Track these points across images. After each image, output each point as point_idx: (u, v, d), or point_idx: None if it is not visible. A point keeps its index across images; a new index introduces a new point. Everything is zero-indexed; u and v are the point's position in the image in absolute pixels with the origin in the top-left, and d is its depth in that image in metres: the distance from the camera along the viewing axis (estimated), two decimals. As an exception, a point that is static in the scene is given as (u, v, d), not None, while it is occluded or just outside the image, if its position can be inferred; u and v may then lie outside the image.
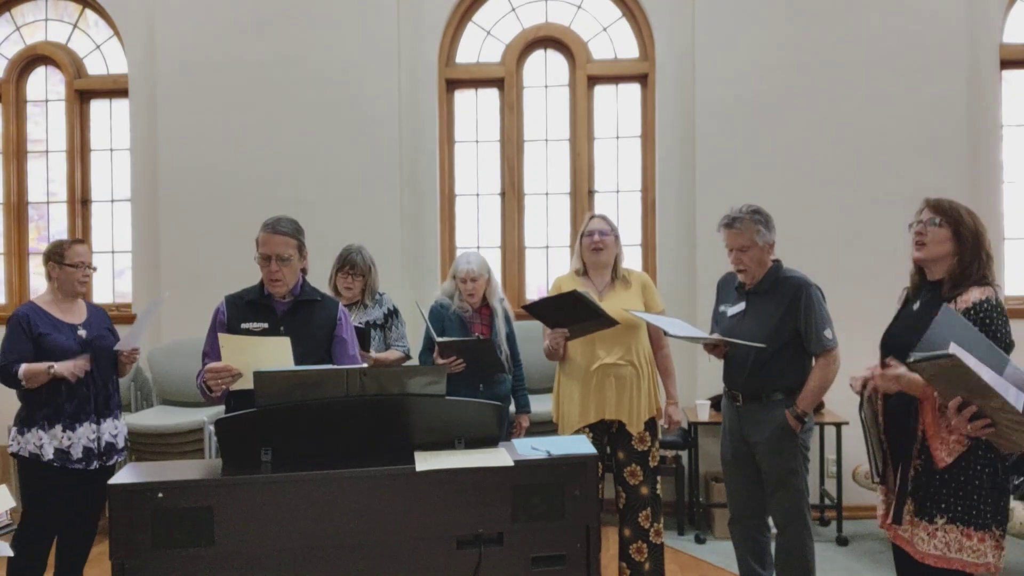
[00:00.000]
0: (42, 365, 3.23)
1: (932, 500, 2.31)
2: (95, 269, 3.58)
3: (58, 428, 3.30)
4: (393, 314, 3.98)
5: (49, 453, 3.29)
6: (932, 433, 2.30)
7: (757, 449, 3.17)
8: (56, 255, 3.41)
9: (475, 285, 3.70)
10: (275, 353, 2.59)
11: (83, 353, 3.34)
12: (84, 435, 3.35)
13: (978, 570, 2.27)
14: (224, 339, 2.66)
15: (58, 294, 3.43)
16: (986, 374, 1.87)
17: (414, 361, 4.03)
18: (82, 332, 3.40)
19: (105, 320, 3.56)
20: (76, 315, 3.45)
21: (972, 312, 2.29)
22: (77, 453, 3.34)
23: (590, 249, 3.40)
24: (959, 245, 2.38)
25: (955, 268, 2.38)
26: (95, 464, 3.39)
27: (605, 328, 3.23)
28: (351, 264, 3.88)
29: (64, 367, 3.26)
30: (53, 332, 3.32)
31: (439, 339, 3.54)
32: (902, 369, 2.24)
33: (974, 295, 2.32)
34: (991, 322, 2.28)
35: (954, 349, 1.87)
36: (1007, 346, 2.28)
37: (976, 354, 1.88)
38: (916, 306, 2.48)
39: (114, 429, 3.49)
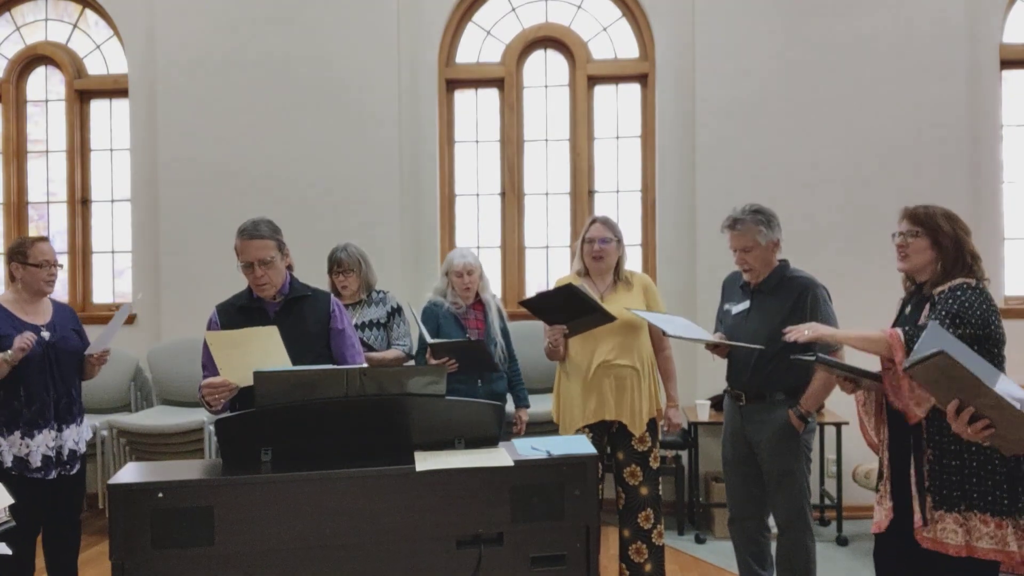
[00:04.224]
0: None
1: (956, 489, 2.30)
2: (61, 267, 3.44)
3: (16, 435, 3.17)
4: (396, 312, 4.00)
5: (8, 460, 3.16)
6: (903, 393, 2.34)
7: (759, 449, 3.17)
8: (19, 254, 3.29)
9: (471, 279, 3.75)
10: (265, 344, 2.56)
11: (44, 355, 3.22)
12: (43, 443, 3.21)
13: (1001, 559, 2.25)
14: (210, 337, 2.62)
15: (23, 294, 3.31)
16: (978, 371, 1.87)
17: (412, 361, 4.03)
18: (45, 334, 3.27)
19: (71, 321, 3.43)
20: (40, 316, 3.32)
21: (947, 292, 2.36)
22: (36, 461, 3.19)
23: (590, 256, 3.41)
24: (940, 253, 2.45)
25: (938, 273, 2.45)
26: (53, 474, 3.24)
27: (603, 324, 3.23)
28: (338, 262, 3.92)
29: (20, 342, 3.09)
30: (13, 333, 3.18)
31: (431, 341, 3.57)
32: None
33: (953, 283, 2.39)
34: (962, 296, 2.32)
35: (945, 347, 1.87)
36: (986, 323, 2.30)
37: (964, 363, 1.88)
38: (908, 309, 2.53)
39: (76, 436, 3.34)
